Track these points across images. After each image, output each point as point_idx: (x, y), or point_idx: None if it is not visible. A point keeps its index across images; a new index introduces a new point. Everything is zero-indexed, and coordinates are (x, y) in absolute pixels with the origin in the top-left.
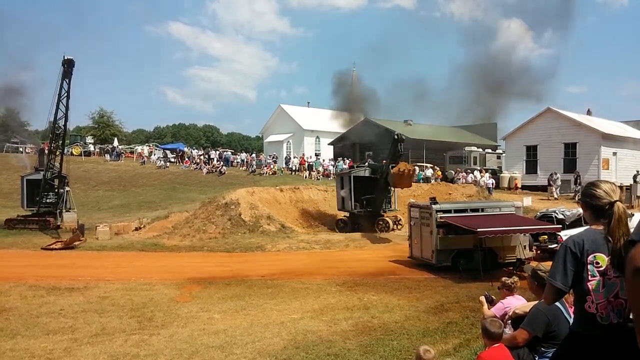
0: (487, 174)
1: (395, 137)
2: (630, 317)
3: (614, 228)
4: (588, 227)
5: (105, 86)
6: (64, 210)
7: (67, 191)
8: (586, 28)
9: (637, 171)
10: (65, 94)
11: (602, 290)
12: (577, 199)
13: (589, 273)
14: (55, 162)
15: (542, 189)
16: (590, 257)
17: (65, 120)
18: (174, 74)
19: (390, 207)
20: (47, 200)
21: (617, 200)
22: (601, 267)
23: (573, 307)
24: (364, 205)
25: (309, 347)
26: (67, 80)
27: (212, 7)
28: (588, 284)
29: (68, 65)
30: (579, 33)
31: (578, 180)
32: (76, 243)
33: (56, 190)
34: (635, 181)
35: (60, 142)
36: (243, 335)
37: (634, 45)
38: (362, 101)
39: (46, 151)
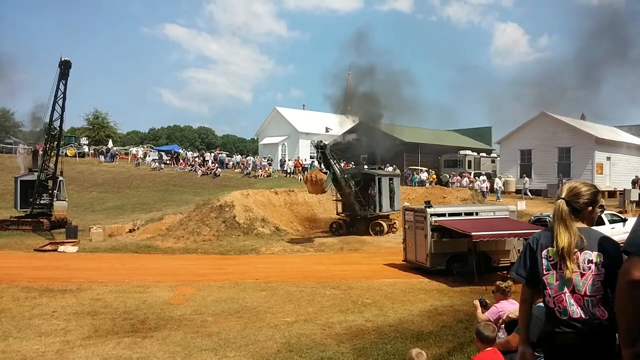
0: (498, 179)
1: (313, 144)
2: (594, 314)
3: (553, 224)
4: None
5: (100, 87)
6: (54, 199)
7: (60, 181)
8: (580, 31)
9: (637, 176)
10: (62, 95)
11: (555, 283)
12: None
13: (543, 267)
14: (50, 163)
15: (537, 193)
16: (544, 252)
17: (61, 122)
18: (170, 75)
19: (379, 209)
20: (41, 202)
21: (560, 198)
22: (553, 260)
23: None
24: (344, 209)
25: (303, 351)
26: (64, 82)
27: (209, 9)
28: (543, 277)
29: (65, 67)
30: (573, 36)
31: (560, 185)
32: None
33: (50, 191)
34: (634, 185)
35: (55, 143)
36: (236, 338)
37: (630, 48)
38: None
39: (40, 152)
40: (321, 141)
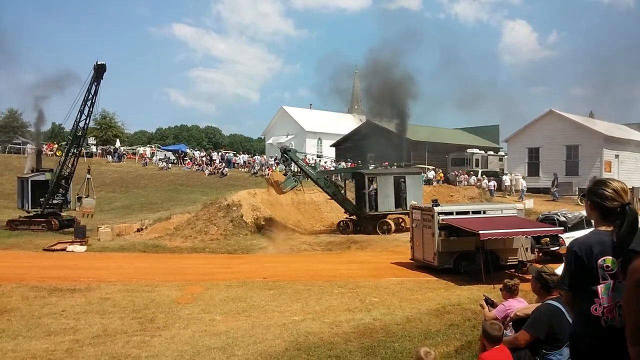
0: (522, 179)
1: (279, 147)
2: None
3: (626, 232)
4: (593, 229)
5: (108, 87)
6: (83, 196)
7: (88, 179)
8: (590, 29)
9: None
10: (92, 97)
11: (611, 293)
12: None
13: (600, 276)
14: (69, 163)
15: (545, 191)
16: (599, 261)
17: (87, 123)
18: (177, 75)
19: (371, 209)
20: (54, 202)
21: (629, 203)
22: (612, 270)
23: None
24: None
25: (311, 349)
26: (96, 85)
27: (217, 9)
28: (599, 287)
29: (99, 70)
30: (583, 35)
31: (556, 182)
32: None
33: (64, 191)
34: None
35: (77, 143)
36: (244, 337)
37: (638, 46)
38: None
39: (49, 152)
40: (286, 146)
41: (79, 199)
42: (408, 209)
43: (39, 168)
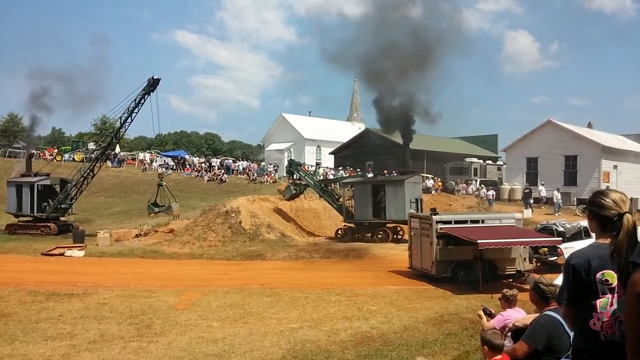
0: (556, 192)
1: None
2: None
3: (622, 242)
4: (593, 241)
5: (109, 92)
6: (171, 202)
7: (164, 185)
8: (590, 39)
9: None
10: (136, 108)
11: (609, 308)
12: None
13: (599, 291)
14: (90, 168)
15: (539, 200)
16: (598, 275)
17: (124, 131)
18: (179, 81)
19: (347, 217)
20: (62, 206)
21: (626, 212)
22: (611, 284)
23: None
24: None
25: (308, 357)
26: (147, 97)
27: (220, 16)
28: (597, 301)
29: (154, 84)
30: (583, 45)
31: (530, 194)
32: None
33: (75, 196)
34: None
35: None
36: (241, 344)
37: (638, 57)
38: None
39: (49, 157)
40: (291, 159)
41: (154, 204)
42: (387, 218)
43: (35, 173)
